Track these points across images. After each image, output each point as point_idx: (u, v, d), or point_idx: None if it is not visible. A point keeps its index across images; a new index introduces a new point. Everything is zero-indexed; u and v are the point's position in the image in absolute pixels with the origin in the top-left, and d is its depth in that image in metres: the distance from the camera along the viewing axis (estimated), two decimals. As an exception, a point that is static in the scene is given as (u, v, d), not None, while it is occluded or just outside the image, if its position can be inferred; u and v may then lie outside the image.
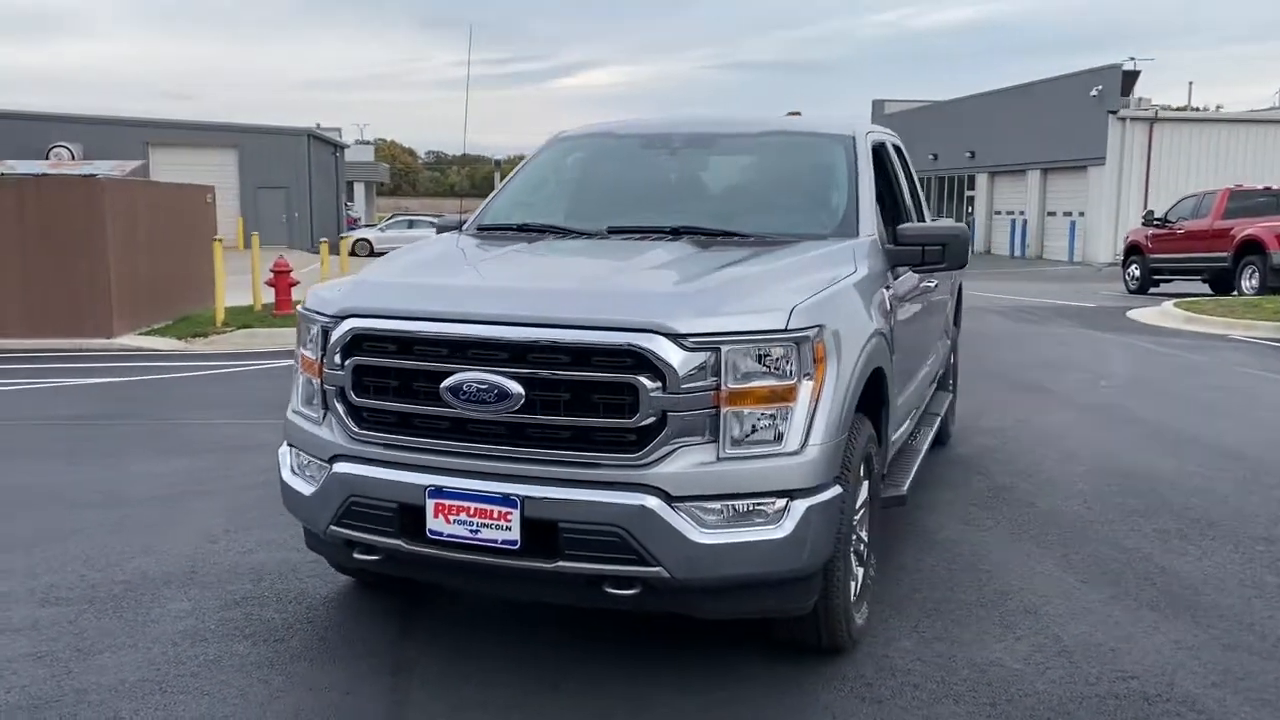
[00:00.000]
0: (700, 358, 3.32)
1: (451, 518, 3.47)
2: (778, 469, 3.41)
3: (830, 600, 3.72)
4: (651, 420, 3.31)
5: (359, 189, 61.78)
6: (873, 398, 4.25)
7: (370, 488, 3.60)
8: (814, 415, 3.47)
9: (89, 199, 12.85)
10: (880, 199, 5.40)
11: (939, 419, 6.34)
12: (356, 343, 3.64)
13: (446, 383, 3.46)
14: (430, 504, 3.49)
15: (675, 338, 3.31)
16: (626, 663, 3.85)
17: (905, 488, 4.76)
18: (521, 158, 5.80)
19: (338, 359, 3.67)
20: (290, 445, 3.98)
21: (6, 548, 5.09)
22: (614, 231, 4.62)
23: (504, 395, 3.40)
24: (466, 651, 3.95)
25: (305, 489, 3.82)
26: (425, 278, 3.96)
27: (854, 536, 4.04)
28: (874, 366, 3.99)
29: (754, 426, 3.39)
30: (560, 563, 3.38)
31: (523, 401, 3.39)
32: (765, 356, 3.40)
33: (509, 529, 3.40)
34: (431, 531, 3.50)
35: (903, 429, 5.29)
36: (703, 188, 5.12)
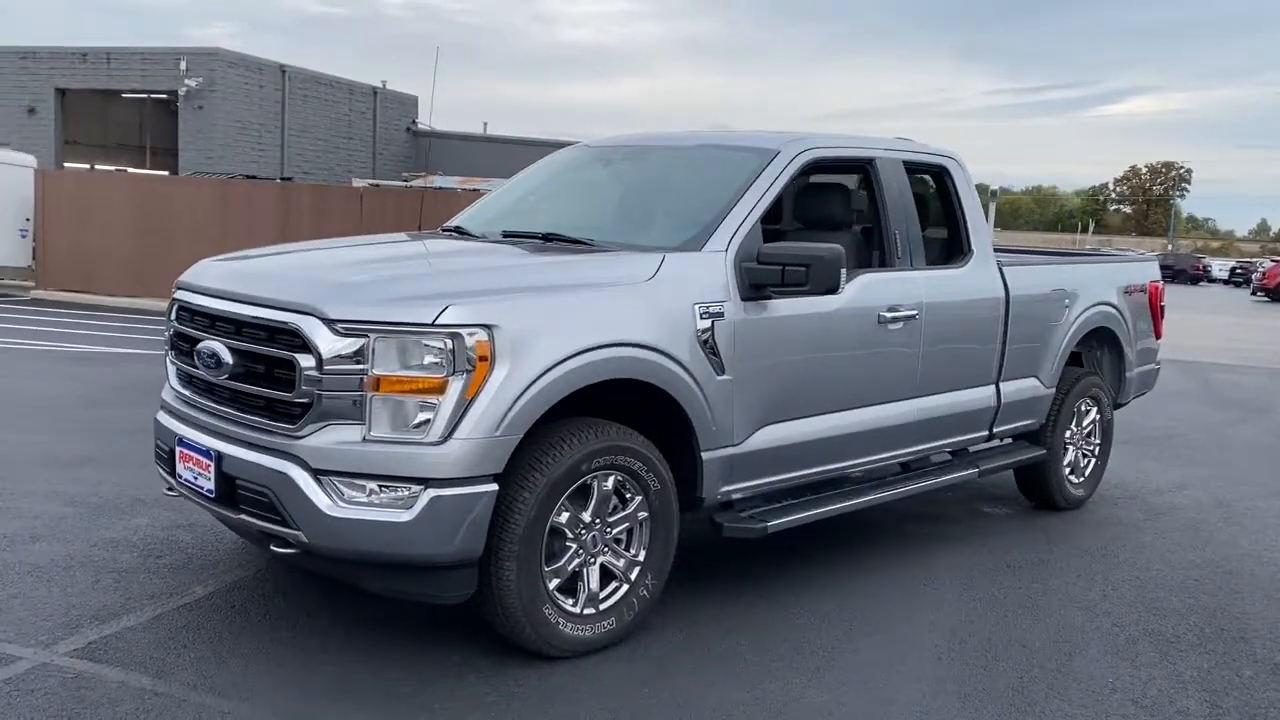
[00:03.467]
0: (352, 343, 3.58)
1: (185, 465, 4.05)
2: (414, 456, 3.56)
3: (503, 599, 3.75)
4: (307, 396, 3.64)
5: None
6: (667, 417, 4.15)
7: (160, 433, 4.30)
8: (466, 411, 3.57)
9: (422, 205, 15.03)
10: (819, 219, 5.12)
11: (974, 471, 5.70)
12: (176, 311, 4.34)
13: (198, 348, 4.04)
14: (177, 451, 4.09)
15: (327, 322, 3.61)
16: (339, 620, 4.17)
17: (769, 524, 4.52)
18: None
19: (171, 322, 4.40)
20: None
21: (114, 465, 6.44)
22: (508, 236, 4.89)
23: (220, 362, 3.91)
24: (271, 596, 4.47)
25: (158, 433, 4.58)
26: (232, 259, 4.53)
27: (598, 547, 4.01)
28: (626, 378, 3.94)
29: (398, 413, 3.58)
30: (241, 514, 3.82)
31: (231, 369, 3.88)
32: (413, 349, 3.57)
33: (209, 479, 3.90)
34: (178, 475, 4.10)
35: (832, 467, 4.94)
36: (606, 198, 5.19)
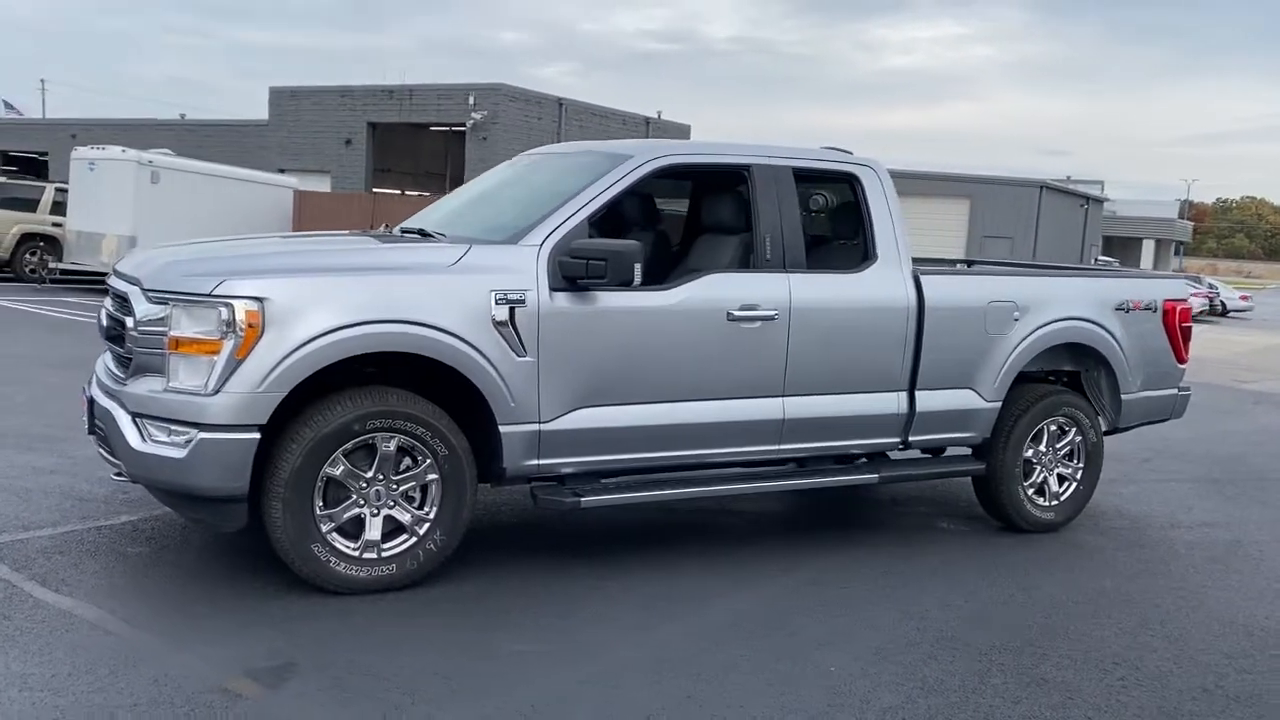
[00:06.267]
0: (159, 309, 4.39)
1: (83, 408, 5.00)
2: (192, 404, 4.30)
3: (272, 533, 4.40)
4: (130, 352, 4.47)
5: (1147, 245, 58.70)
6: (465, 391, 4.64)
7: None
8: (235, 369, 4.26)
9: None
10: (705, 223, 5.40)
11: (874, 477, 5.71)
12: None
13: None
14: (83, 397, 5.06)
15: (144, 291, 4.44)
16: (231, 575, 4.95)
17: (583, 500, 4.88)
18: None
19: (108, 299, 5.40)
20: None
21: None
22: (404, 232, 5.57)
23: (101, 326, 4.84)
24: (177, 528, 5.35)
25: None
26: (141, 249, 5.44)
27: (382, 500, 4.55)
28: (402, 351, 4.48)
29: (187, 368, 4.34)
30: (100, 447, 4.71)
31: (108, 330, 4.79)
32: (197, 314, 4.31)
33: (85, 418, 4.83)
34: (83, 416, 5.06)
35: (676, 454, 5.18)
36: (489, 199, 5.69)
